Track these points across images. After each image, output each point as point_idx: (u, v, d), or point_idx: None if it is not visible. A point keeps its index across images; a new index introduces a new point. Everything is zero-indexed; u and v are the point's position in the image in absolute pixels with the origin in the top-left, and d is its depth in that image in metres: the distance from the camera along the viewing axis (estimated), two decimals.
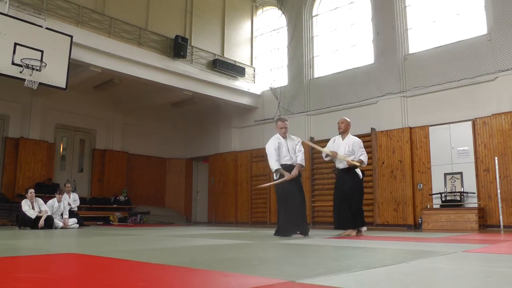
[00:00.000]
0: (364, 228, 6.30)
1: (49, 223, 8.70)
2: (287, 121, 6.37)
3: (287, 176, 5.93)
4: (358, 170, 6.33)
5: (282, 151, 6.16)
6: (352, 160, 6.26)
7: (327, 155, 6.61)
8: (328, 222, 11.57)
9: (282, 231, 5.85)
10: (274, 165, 6.03)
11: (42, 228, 8.43)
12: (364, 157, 6.31)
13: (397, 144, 10.54)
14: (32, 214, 8.51)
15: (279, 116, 7.05)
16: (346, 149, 6.34)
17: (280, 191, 6.08)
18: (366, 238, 5.58)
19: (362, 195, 6.42)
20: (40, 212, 8.64)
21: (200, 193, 15.85)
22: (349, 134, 6.54)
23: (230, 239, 5.16)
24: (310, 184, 12.10)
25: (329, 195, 11.70)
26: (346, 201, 6.22)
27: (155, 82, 11.49)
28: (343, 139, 6.49)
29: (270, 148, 6.17)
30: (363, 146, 6.46)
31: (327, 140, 11.78)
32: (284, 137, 6.30)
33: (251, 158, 13.83)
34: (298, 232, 5.87)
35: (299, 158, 6.16)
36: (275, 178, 6.18)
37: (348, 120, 6.65)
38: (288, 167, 6.06)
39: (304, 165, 6.25)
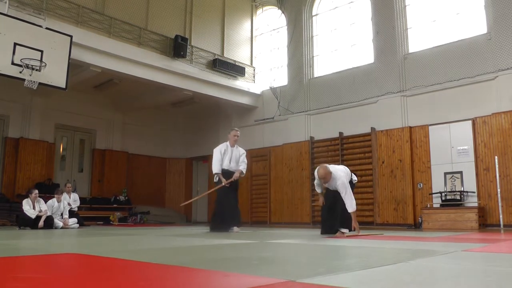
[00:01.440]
0: (346, 230, 5.88)
1: (49, 223, 8.71)
2: (239, 131, 7.44)
3: (225, 182, 6.88)
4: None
5: (226, 157, 7.10)
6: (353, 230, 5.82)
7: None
8: None
9: (219, 228, 6.77)
10: (216, 168, 7.00)
11: (41, 228, 8.43)
12: (351, 203, 5.73)
13: (397, 144, 10.54)
14: (32, 213, 8.52)
15: (232, 127, 7.84)
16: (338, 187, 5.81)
17: (220, 193, 7.00)
18: (366, 237, 5.58)
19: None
20: (40, 212, 8.64)
21: (200, 193, 15.83)
22: (332, 174, 5.84)
23: (230, 238, 5.16)
24: (310, 184, 12.10)
25: None
26: (333, 208, 6.02)
27: (155, 82, 11.49)
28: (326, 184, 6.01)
29: (217, 152, 7.14)
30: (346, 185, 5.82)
31: (327, 140, 11.92)
32: (233, 145, 7.25)
33: (251, 157, 13.80)
34: (233, 227, 6.84)
35: (242, 167, 7.19)
36: (215, 180, 7.10)
37: (327, 169, 5.83)
38: (228, 173, 7.03)
39: (244, 174, 7.27)
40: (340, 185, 5.71)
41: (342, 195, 5.69)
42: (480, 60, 9.55)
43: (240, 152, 7.32)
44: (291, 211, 12.38)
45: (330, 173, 5.75)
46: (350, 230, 5.77)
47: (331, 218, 6.04)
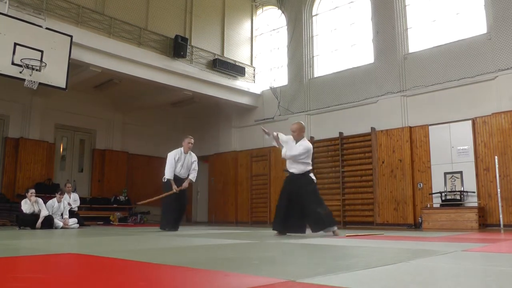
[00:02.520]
0: (323, 232, 5.67)
1: (49, 223, 8.70)
2: (193, 139, 7.79)
3: (175, 189, 7.28)
4: (312, 175, 5.90)
5: (179, 164, 7.49)
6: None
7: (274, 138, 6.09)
8: None
9: (167, 226, 7.36)
10: (168, 174, 7.39)
11: (39, 228, 8.43)
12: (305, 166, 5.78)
13: (397, 144, 10.54)
14: (27, 209, 8.50)
15: (187, 135, 8.08)
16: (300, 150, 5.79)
17: (169, 197, 7.39)
18: (366, 237, 5.58)
19: (318, 197, 5.89)
20: (34, 212, 8.61)
21: (200, 193, 15.83)
22: (304, 138, 5.95)
23: (230, 238, 5.16)
24: None
25: (329, 194, 11.73)
26: (296, 205, 5.73)
27: (155, 82, 11.49)
28: (296, 143, 5.88)
29: (171, 158, 7.49)
30: (308, 153, 5.83)
31: (327, 140, 11.92)
32: (186, 152, 7.61)
33: (251, 157, 13.83)
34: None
35: (192, 175, 7.60)
36: (164, 181, 7.48)
37: (302, 123, 6.04)
38: (178, 179, 7.43)
39: (194, 181, 7.75)
40: (304, 147, 5.72)
41: (302, 157, 5.70)
42: (480, 60, 9.55)
43: (192, 159, 7.69)
44: None
45: (303, 129, 5.95)
46: (333, 225, 5.64)
47: (296, 216, 5.70)
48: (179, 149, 7.67)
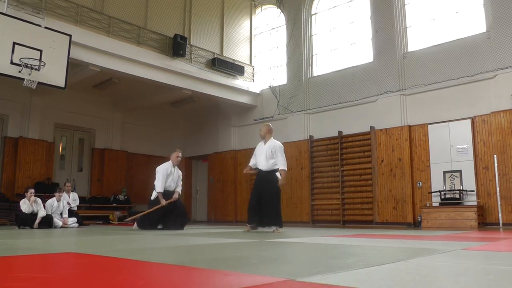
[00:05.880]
0: (274, 228, 6.49)
1: (49, 222, 8.71)
2: (181, 152, 8.12)
3: (164, 202, 7.49)
4: (277, 174, 6.64)
5: (170, 178, 7.75)
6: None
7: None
8: (326, 220, 11.60)
9: (146, 228, 7.49)
10: (160, 188, 7.58)
11: (37, 228, 8.44)
12: (283, 165, 6.58)
13: (396, 142, 10.55)
14: (26, 208, 8.51)
15: (175, 149, 8.36)
16: (268, 153, 6.64)
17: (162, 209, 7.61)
18: (366, 236, 5.59)
19: (279, 197, 6.75)
20: (33, 212, 8.62)
21: (199, 192, 15.84)
22: (271, 138, 6.81)
23: (229, 238, 5.16)
24: (309, 183, 12.11)
25: (328, 193, 11.75)
26: (261, 201, 6.57)
27: (154, 81, 11.49)
28: (264, 145, 6.78)
29: (164, 172, 7.68)
30: (283, 151, 6.68)
31: (327, 139, 11.92)
32: (174, 166, 7.90)
33: (251, 157, 13.80)
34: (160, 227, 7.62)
35: (179, 188, 7.94)
36: (152, 198, 7.74)
37: (269, 125, 6.97)
38: (167, 192, 7.67)
39: (180, 194, 8.00)
40: (277, 147, 6.57)
41: (278, 156, 6.51)
42: (479, 59, 9.55)
43: (178, 173, 8.04)
44: (290, 210, 12.37)
45: (272, 131, 6.80)
46: (280, 227, 6.46)
47: (260, 212, 6.54)
48: (168, 163, 7.91)
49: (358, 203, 11.23)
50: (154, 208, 7.55)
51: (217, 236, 5.56)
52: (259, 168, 6.73)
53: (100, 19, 10.58)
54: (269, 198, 6.51)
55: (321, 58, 12.90)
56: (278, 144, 6.67)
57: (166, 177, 7.71)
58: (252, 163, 6.91)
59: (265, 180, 6.59)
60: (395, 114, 10.66)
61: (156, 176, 7.72)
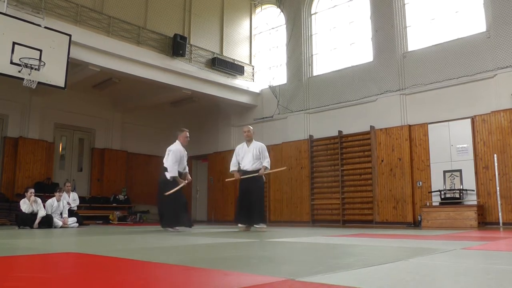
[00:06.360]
0: (263, 226, 6.97)
1: (49, 222, 8.71)
2: (188, 131, 7.82)
3: (183, 183, 7.15)
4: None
5: (183, 161, 7.42)
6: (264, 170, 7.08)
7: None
8: (326, 220, 11.59)
9: (170, 224, 7.02)
10: (174, 171, 7.09)
11: (37, 228, 8.44)
12: (267, 163, 7.08)
13: (396, 142, 10.54)
14: (26, 208, 8.52)
15: (182, 128, 8.08)
16: (255, 153, 7.09)
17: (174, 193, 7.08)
18: (366, 236, 5.59)
19: (263, 196, 7.26)
20: (33, 212, 8.62)
21: (199, 192, 15.84)
22: (253, 140, 7.29)
23: (229, 237, 5.16)
24: (309, 183, 12.11)
25: (328, 192, 11.74)
26: (248, 200, 6.92)
27: (154, 81, 11.48)
28: (248, 146, 7.19)
29: (177, 155, 7.23)
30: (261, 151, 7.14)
31: (326, 138, 11.92)
32: (185, 146, 7.60)
33: None
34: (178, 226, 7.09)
35: (187, 170, 7.66)
36: (169, 177, 7.08)
37: (251, 128, 7.53)
38: (181, 175, 7.33)
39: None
40: (264, 148, 7.13)
41: (265, 155, 7.02)
42: (479, 58, 9.55)
43: (186, 154, 7.73)
44: (290, 210, 12.39)
45: (253, 133, 7.36)
46: (265, 225, 6.98)
47: (246, 209, 6.88)
48: (179, 144, 7.48)
49: (358, 202, 11.23)
50: (175, 189, 6.93)
51: (217, 236, 5.56)
52: (244, 169, 7.10)
53: (100, 19, 10.57)
54: (257, 197, 6.92)
55: (321, 57, 12.90)
56: (263, 144, 7.26)
57: (180, 160, 7.29)
58: (233, 163, 7.24)
59: (252, 180, 6.95)
60: (395, 114, 10.66)
61: (169, 157, 7.20)
